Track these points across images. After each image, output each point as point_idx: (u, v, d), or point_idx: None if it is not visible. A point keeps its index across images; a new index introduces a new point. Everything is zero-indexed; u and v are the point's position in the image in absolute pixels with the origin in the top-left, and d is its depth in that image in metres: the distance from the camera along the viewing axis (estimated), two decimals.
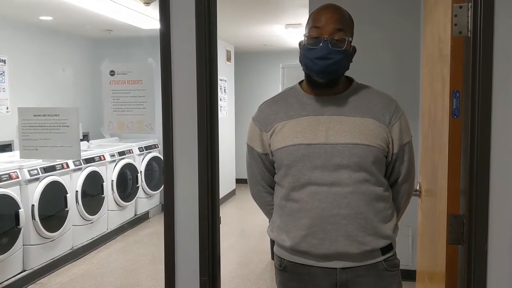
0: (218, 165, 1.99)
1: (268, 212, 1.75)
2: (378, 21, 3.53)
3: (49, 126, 2.20)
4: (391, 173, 1.65)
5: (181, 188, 1.94)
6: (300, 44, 1.61)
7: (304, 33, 1.59)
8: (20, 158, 2.23)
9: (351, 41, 1.57)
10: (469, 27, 1.60)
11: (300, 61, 1.59)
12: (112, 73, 2.13)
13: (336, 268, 1.56)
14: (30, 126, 2.22)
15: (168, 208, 1.95)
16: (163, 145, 1.93)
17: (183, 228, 1.95)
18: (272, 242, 1.78)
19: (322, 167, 1.52)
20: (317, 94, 1.61)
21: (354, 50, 1.60)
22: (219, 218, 1.99)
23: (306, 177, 1.54)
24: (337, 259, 1.55)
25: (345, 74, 1.63)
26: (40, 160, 3.95)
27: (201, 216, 1.92)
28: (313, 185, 1.53)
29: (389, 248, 1.60)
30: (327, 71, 1.53)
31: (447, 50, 1.76)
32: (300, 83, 1.68)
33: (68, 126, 2.18)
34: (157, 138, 6.19)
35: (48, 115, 2.21)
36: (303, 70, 1.61)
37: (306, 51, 1.55)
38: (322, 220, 1.52)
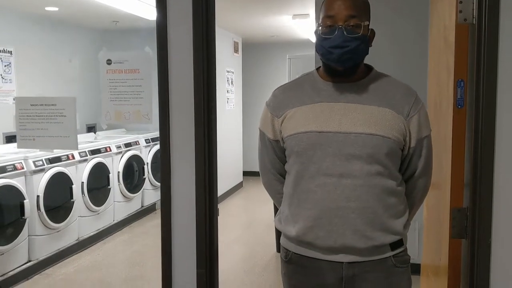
0: (216, 155, 1.96)
1: (278, 201, 1.70)
2: (386, 12, 3.47)
3: (46, 116, 2.18)
4: (407, 167, 1.57)
5: (178, 179, 1.92)
6: (315, 32, 1.55)
7: (318, 22, 1.53)
8: (17, 148, 2.20)
9: (368, 25, 1.51)
10: (474, 14, 1.55)
11: (316, 50, 1.54)
12: (109, 62, 2.11)
13: (342, 262, 1.51)
14: (27, 116, 2.19)
15: (165, 198, 1.93)
16: (160, 134, 1.90)
17: (180, 219, 1.93)
18: (278, 234, 1.74)
19: (333, 156, 1.47)
20: (334, 81, 1.55)
21: (373, 33, 1.55)
22: (217, 209, 1.97)
23: (316, 165, 1.49)
24: (344, 253, 1.50)
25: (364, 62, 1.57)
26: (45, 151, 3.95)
27: (199, 207, 1.90)
28: (322, 175, 1.48)
29: (399, 243, 1.54)
30: (344, 59, 1.47)
31: (452, 38, 1.72)
32: (318, 69, 1.62)
33: (65, 116, 2.16)
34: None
35: (45, 105, 2.18)
36: (320, 59, 1.55)
37: (322, 41, 1.49)
38: (330, 212, 1.47)
